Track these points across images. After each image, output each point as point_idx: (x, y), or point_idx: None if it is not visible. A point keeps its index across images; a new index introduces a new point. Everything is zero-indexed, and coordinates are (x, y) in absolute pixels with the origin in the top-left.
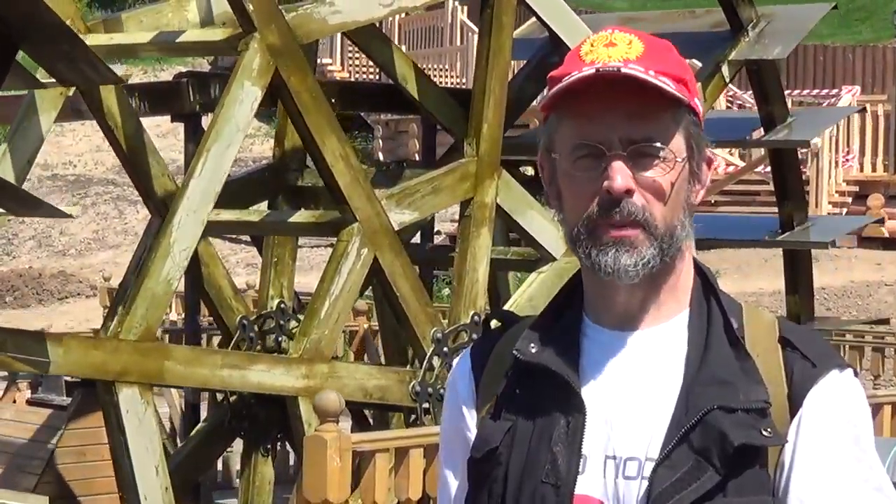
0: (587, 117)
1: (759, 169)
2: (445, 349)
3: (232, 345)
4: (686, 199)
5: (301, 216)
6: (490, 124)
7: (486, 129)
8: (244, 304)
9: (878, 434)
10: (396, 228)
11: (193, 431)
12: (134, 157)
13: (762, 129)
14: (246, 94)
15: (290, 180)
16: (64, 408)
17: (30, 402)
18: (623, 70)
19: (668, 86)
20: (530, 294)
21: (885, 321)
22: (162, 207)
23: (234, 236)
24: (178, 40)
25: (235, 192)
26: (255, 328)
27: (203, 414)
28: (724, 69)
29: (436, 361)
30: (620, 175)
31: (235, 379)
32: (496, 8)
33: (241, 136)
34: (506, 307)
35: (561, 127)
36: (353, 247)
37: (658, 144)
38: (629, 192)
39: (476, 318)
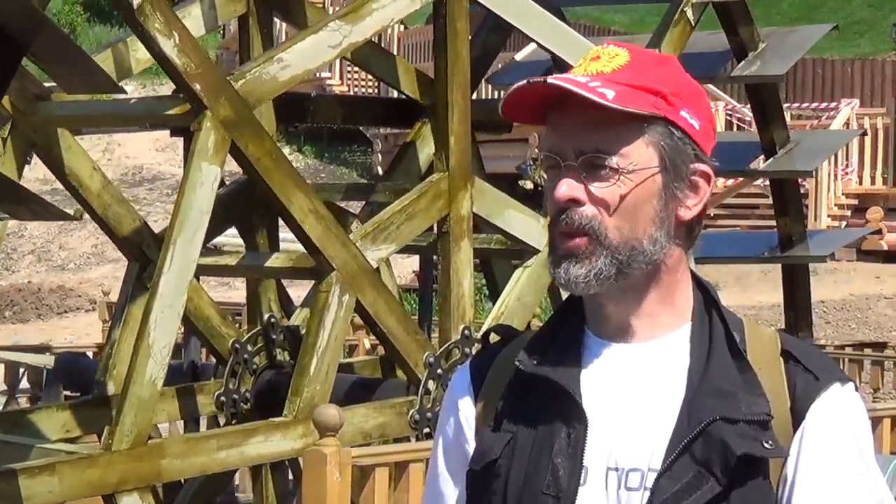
0: (552, 129)
1: (759, 182)
2: (439, 371)
3: (227, 370)
4: (658, 213)
5: (278, 260)
6: (457, 137)
7: (454, 142)
8: (234, 328)
9: (877, 446)
10: (375, 265)
11: None
12: (104, 211)
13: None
14: (205, 175)
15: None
16: None
17: None
18: (549, 80)
19: (604, 97)
20: (519, 292)
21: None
22: (137, 252)
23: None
24: (129, 114)
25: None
26: (249, 348)
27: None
28: (688, 12)
29: (431, 385)
30: (565, 185)
31: (234, 457)
32: (449, 15)
33: (206, 218)
34: (495, 307)
35: (544, 138)
36: (334, 296)
37: (606, 156)
38: (576, 202)
39: (466, 332)
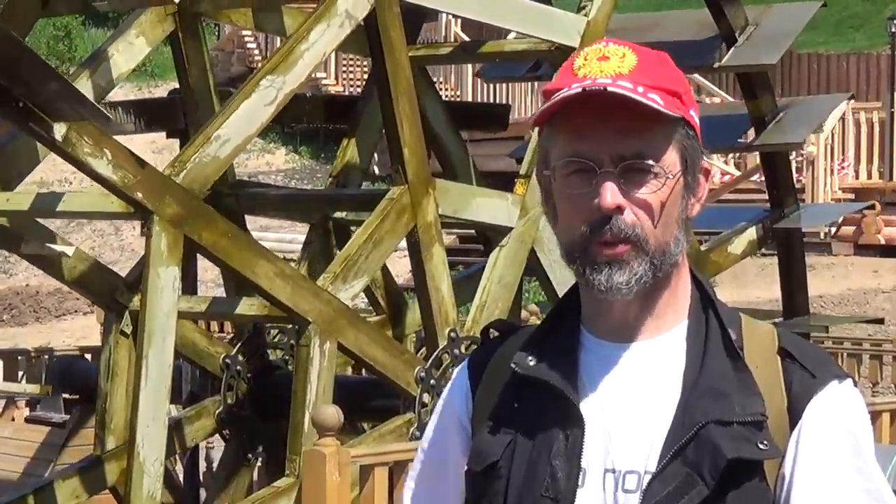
0: (579, 133)
1: (755, 178)
2: (432, 382)
3: (223, 387)
4: (680, 213)
5: (253, 307)
6: (411, 147)
7: (408, 153)
8: (221, 344)
9: (876, 440)
10: (351, 303)
11: (213, 478)
12: (70, 273)
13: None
14: (164, 279)
15: (229, 204)
16: (62, 425)
17: (29, 420)
18: (610, 88)
19: (657, 102)
20: (499, 274)
21: (880, 321)
22: (111, 303)
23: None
24: (75, 209)
25: None
26: (240, 358)
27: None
28: None
29: (427, 398)
30: (610, 192)
31: None
32: (381, 26)
33: (172, 320)
34: (477, 295)
35: (555, 142)
36: (315, 348)
37: (649, 161)
38: (619, 210)
39: (453, 334)
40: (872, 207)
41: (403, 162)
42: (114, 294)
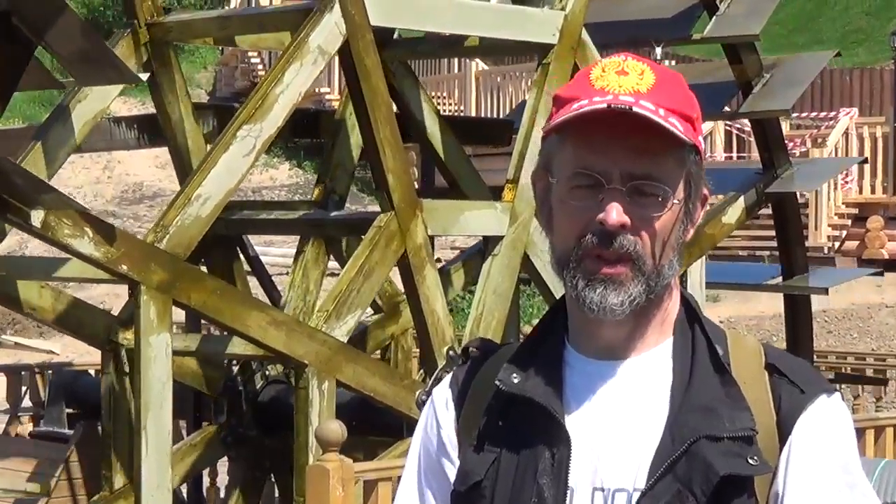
0: (590, 146)
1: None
2: None
3: (226, 408)
4: (677, 238)
5: (249, 348)
6: (395, 173)
7: (393, 179)
8: (220, 367)
9: (880, 455)
10: (347, 338)
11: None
12: (65, 319)
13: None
14: (156, 348)
15: (218, 229)
16: (66, 440)
17: (32, 435)
18: (634, 108)
19: (677, 128)
20: (493, 284)
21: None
22: (106, 343)
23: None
24: (61, 275)
25: None
26: (239, 379)
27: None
28: None
29: None
30: (616, 210)
31: None
32: (355, 55)
33: (168, 385)
34: (473, 307)
35: (562, 150)
36: (314, 390)
37: (658, 184)
38: (623, 228)
39: (451, 353)
40: (866, 161)
41: (389, 188)
42: (109, 335)
